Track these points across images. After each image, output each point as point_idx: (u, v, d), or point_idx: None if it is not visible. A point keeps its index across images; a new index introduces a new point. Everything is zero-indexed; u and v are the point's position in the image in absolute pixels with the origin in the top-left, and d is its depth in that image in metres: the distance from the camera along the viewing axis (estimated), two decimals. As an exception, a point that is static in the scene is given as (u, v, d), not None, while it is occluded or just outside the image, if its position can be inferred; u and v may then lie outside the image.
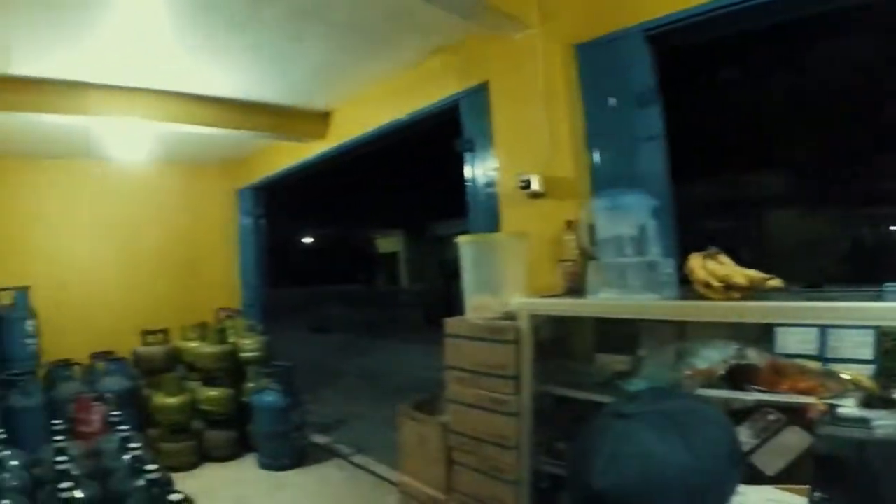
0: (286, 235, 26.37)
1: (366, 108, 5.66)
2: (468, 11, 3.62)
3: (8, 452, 3.39)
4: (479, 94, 4.27)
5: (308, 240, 32.32)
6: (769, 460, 1.98)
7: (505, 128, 3.98)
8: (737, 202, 13.59)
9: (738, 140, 11.39)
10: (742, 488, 1.52)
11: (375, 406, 8.09)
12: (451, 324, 3.41)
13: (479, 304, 3.35)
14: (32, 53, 4.38)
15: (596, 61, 3.58)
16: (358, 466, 5.84)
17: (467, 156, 4.39)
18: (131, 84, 5.14)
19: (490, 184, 4.19)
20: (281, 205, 9.74)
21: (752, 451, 1.99)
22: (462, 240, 3.52)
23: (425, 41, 4.54)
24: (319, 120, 6.27)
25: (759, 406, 2.06)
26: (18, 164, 7.18)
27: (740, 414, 2.09)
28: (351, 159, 6.96)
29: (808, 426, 1.93)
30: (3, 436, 3.58)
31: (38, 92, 4.88)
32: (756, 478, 1.92)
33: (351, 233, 31.19)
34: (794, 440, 1.97)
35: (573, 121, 3.57)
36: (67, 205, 7.51)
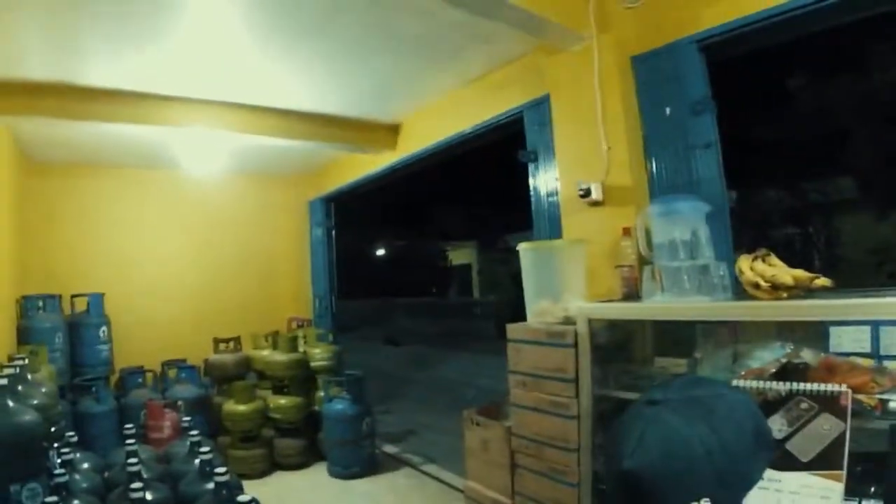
0: (358, 246, 26.73)
1: (433, 120, 5.83)
2: (529, 25, 3.74)
3: (79, 455, 3.50)
4: (541, 106, 4.40)
5: (380, 251, 32.66)
6: (804, 447, 2.02)
7: (565, 138, 4.07)
8: (806, 208, 13.23)
9: (808, 145, 11.10)
10: (778, 475, 1.59)
11: (446, 416, 8.06)
12: (513, 329, 3.50)
13: (539, 310, 3.44)
14: (107, 63, 4.59)
15: (652, 71, 3.66)
16: (426, 475, 5.89)
17: (531, 166, 4.51)
18: (205, 95, 5.37)
19: (552, 193, 4.29)
20: (353, 216, 9.91)
21: (787, 438, 2.03)
22: (523, 246, 3.63)
23: (490, 54, 4.70)
24: (389, 131, 6.46)
25: (793, 395, 2.10)
26: (96, 172, 7.41)
27: (775, 403, 2.13)
28: (424, 171, 7.10)
29: (841, 414, 1.97)
30: (75, 439, 3.66)
31: (112, 102, 5.09)
32: (791, 464, 1.97)
33: (423, 244, 31.43)
34: (827, 427, 2.01)
35: (631, 130, 3.65)
36: (143, 213, 7.71)
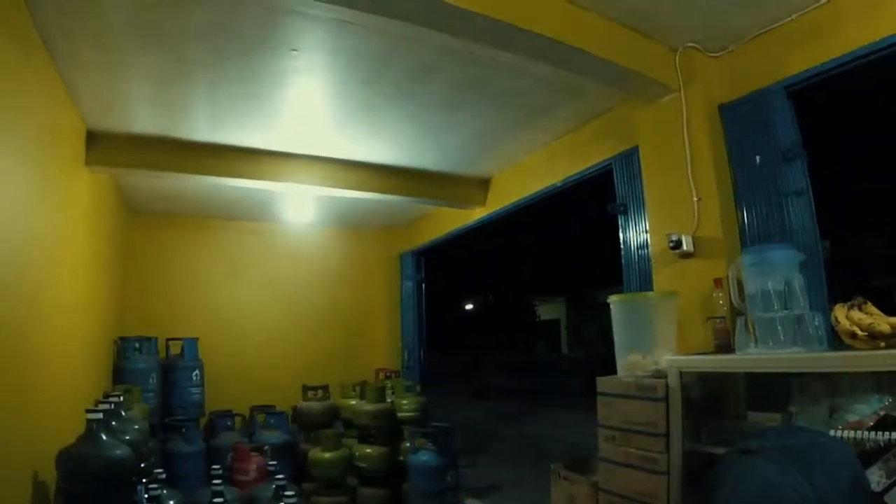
0: (448, 301, 26.86)
1: (523, 175, 5.93)
2: (617, 78, 3.80)
3: (166, 492, 3.61)
4: (630, 158, 4.45)
5: (469, 306, 32.66)
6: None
7: (655, 189, 4.07)
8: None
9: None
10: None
11: (531, 472, 7.97)
12: (604, 382, 3.45)
13: (630, 363, 3.39)
14: (211, 121, 4.92)
15: (740, 120, 3.64)
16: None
17: (620, 219, 4.51)
18: (301, 152, 5.64)
19: (642, 245, 4.27)
20: (443, 270, 10.02)
21: (886, 490, 1.92)
22: (613, 299, 3.60)
23: (579, 109, 4.80)
24: (479, 186, 6.58)
25: (893, 445, 1.99)
26: (194, 223, 7.87)
27: (873, 454, 2.02)
28: (513, 225, 7.16)
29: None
30: (163, 476, 3.78)
31: (214, 157, 5.41)
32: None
33: (512, 299, 31.26)
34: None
35: (720, 179, 3.62)
36: (238, 263, 8.07)
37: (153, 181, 6.15)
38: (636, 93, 4.03)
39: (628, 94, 4.15)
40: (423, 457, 5.85)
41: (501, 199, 6.38)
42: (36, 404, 3.71)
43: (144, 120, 4.89)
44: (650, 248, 4.08)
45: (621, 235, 4.50)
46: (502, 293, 30.47)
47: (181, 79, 4.18)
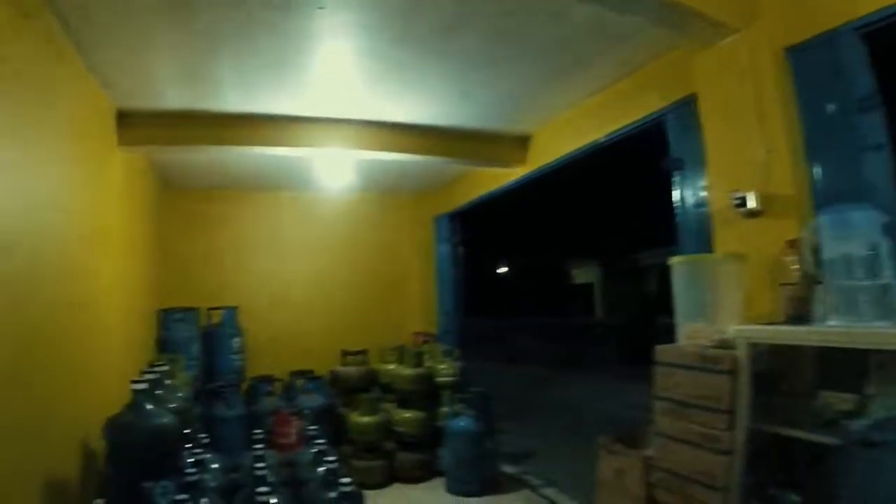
0: (479, 265, 26.62)
1: (564, 131, 5.60)
2: (670, 18, 3.45)
3: (209, 456, 3.64)
4: (686, 109, 4.07)
5: (501, 269, 32.45)
6: None
7: (716, 142, 3.71)
8: None
9: None
10: None
11: (567, 439, 7.90)
12: (663, 351, 3.21)
13: (691, 331, 3.14)
14: (239, 91, 4.82)
15: (809, 65, 3.26)
16: (546, 499, 5.68)
17: (675, 175, 4.17)
18: (332, 115, 5.46)
19: (700, 204, 3.94)
20: (475, 234, 9.82)
21: None
22: (675, 261, 3.34)
23: (626, 56, 4.44)
24: (518, 145, 6.27)
25: None
26: (229, 196, 8.02)
27: None
28: (547, 188, 6.91)
29: None
30: (207, 441, 3.84)
31: (244, 127, 5.33)
32: None
33: (545, 263, 30.93)
34: None
35: (789, 131, 3.26)
36: (275, 232, 8.22)
37: (186, 156, 6.28)
38: (691, 35, 3.66)
39: (681, 38, 3.80)
40: (461, 422, 5.93)
41: (541, 157, 6.07)
42: (85, 379, 4.07)
43: (173, 96, 4.86)
44: (710, 207, 3.74)
45: (676, 193, 4.16)
46: (536, 257, 30.17)
47: (207, 50, 4.10)
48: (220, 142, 5.42)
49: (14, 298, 2.98)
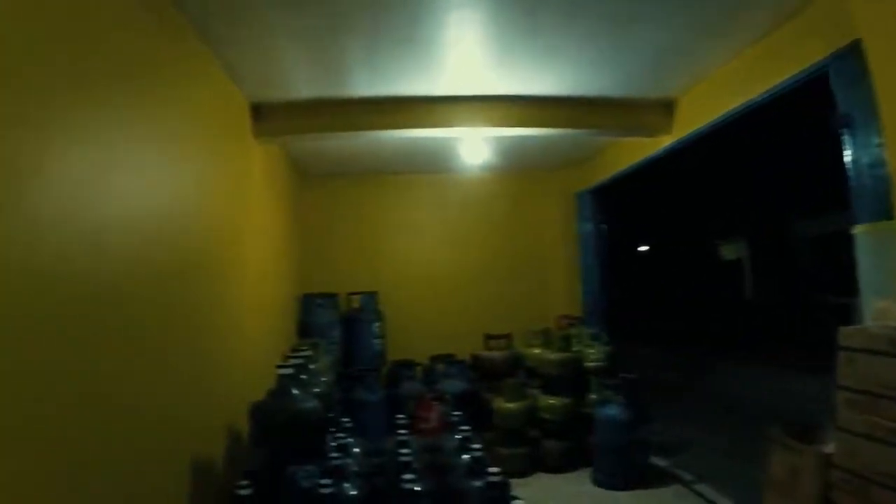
0: (622, 241, 25.67)
1: (714, 92, 5.16)
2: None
3: (352, 440, 3.70)
4: (851, 57, 3.55)
5: (643, 247, 31.32)
6: None
7: (892, 91, 3.20)
8: None
9: None
10: None
11: (720, 431, 7.47)
12: (847, 334, 2.81)
13: (881, 310, 2.76)
14: (372, 74, 4.82)
15: None
16: (700, 496, 5.31)
17: (845, 134, 3.66)
18: (465, 93, 5.34)
19: (875, 164, 3.42)
20: (618, 209, 9.44)
21: None
22: (859, 230, 3.01)
23: (774, 5, 4.01)
24: (663, 111, 5.87)
25: None
26: (365, 181, 8.17)
27: None
28: (691, 157, 6.50)
29: None
30: (350, 425, 3.90)
31: (376, 111, 5.35)
32: None
33: (689, 239, 29.46)
34: None
35: None
36: (412, 216, 8.32)
37: (320, 144, 6.45)
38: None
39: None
40: (610, 410, 5.70)
41: (688, 123, 5.62)
42: (232, 365, 4.35)
43: (303, 85, 4.99)
44: (890, 167, 3.24)
45: (847, 153, 3.65)
46: (679, 232, 28.83)
47: (336, 35, 4.11)
48: (353, 127, 5.47)
49: (168, 290, 3.21)
